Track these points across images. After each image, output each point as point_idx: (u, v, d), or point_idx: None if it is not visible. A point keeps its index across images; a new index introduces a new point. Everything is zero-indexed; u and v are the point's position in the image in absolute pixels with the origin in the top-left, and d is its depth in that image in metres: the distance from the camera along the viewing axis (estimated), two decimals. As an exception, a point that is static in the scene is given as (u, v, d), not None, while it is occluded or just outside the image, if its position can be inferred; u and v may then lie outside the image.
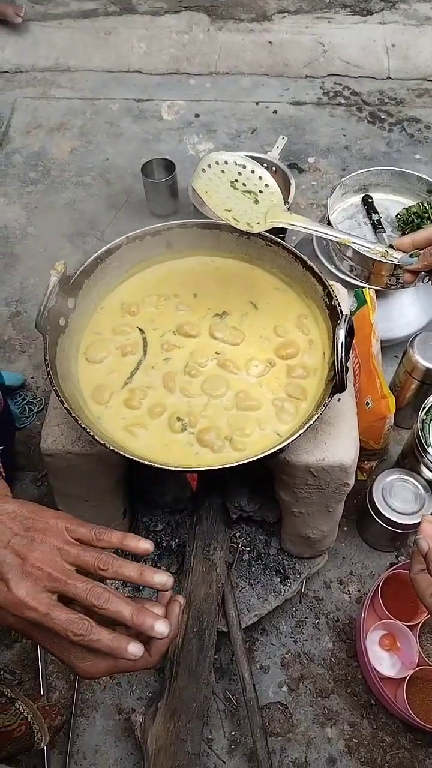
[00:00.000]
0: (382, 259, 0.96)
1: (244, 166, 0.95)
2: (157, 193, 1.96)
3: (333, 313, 0.98)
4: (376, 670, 1.20)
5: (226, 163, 0.96)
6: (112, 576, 0.64)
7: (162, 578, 0.65)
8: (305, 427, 0.88)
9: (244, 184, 0.96)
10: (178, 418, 0.94)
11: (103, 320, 1.06)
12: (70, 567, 0.63)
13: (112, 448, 0.86)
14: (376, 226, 1.57)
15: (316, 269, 1.01)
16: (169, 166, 1.97)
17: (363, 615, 1.25)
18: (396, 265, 1.43)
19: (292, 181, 1.80)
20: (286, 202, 1.73)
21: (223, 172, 0.96)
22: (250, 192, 0.97)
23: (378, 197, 1.65)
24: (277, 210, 0.97)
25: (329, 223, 1.51)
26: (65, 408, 0.88)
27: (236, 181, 0.97)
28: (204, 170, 0.97)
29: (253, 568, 1.30)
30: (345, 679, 1.28)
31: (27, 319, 1.83)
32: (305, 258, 1.03)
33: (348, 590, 1.39)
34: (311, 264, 1.02)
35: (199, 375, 0.99)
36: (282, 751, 1.21)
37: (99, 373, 1.00)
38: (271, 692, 1.27)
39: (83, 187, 2.17)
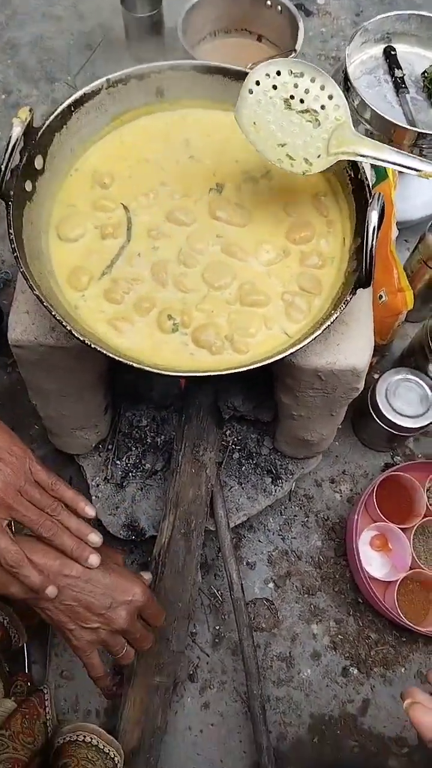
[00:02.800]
0: None
1: (302, 74, 0.77)
2: (140, 30, 1.66)
3: (358, 189, 0.82)
4: (366, 570, 1.18)
5: (278, 74, 0.77)
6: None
7: (95, 538, 0.77)
8: (321, 329, 0.75)
9: (301, 101, 0.77)
10: (169, 316, 0.80)
11: (77, 188, 0.88)
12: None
13: (93, 345, 0.73)
14: (399, 85, 1.35)
15: (342, 132, 0.83)
16: (154, -1, 1.65)
17: (356, 516, 1.20)
18: (420, 133, 1.23)
19: (301, 25, 1.52)
20: (293, 50, 1.46)
21: (274, 87, 0.77)
22: (308, 111, 0.78)
23: (402, 50, 1.40)
24: (344, 132, 0.78)
25: (347, 77, 1.28)
26: (36, 296, 0.73)
27: (292, 97, 0.78)
28: (251, 91, 0.78)
29: (244, 468, 1.23)
30: (333, 578, 1.26)
31: (-12, 182, 1.60)
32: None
33: (339, 489, 1.34)
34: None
35: (196, 264, 0.83)
36: (266, 645, 1.20)
37: (74, 253, 0.84)
38: (257, 588, 1.25)
39: (52, 21, 1.84)
